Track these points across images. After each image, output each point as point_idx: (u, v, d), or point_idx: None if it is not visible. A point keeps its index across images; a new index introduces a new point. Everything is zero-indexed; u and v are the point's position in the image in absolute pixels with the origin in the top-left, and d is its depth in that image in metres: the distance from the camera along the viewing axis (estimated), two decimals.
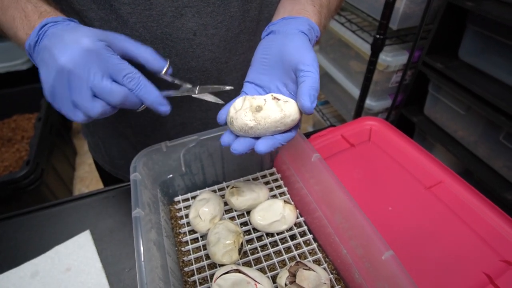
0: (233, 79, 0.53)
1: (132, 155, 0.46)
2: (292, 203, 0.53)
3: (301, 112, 0.36)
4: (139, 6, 0.41)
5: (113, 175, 0.66)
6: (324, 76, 1.55)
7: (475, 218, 0.51)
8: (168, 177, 0.52)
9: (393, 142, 0.65)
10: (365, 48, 1.19)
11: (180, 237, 0.50)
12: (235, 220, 0.52)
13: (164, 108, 0.37)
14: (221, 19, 0.45)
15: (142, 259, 0.35)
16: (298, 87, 0.35)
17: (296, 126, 0.37)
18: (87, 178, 1.75)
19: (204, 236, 0.49)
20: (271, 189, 0.56)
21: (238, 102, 0.37)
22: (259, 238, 0.50)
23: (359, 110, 1.28)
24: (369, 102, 1.28)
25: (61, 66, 0.31)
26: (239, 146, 0.36)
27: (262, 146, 0.35)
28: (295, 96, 0.37)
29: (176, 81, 0.40)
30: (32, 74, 1.65)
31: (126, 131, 0.56)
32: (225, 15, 0.45)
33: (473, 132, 0.99)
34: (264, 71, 0.39)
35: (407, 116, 1.22)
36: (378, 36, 1.06)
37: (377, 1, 1.14)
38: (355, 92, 1.32)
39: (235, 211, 0.53)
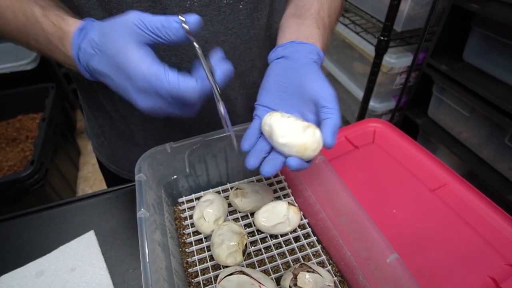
0: (241, 84, 0.54)
1: (137, 156, 0.47)
2: (296, 205, 0.53)
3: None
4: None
5: (118, 174, 0.66)
6: (328, 78, 1.55)
7: (480, 221, 0.51)
8: (173, 178, 0.52)
9: (397, 144, 0.65)
10: (369, 50, 1.19)
11: (184, 238, 0.50)
12: (239, 221, 0.52)
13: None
14: (231, 27, 0.46)
15: (147, 260, 0.35)
16: (321, 123, 0.36)
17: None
18: (90, 178, 1.76)
19: (208, 237, 0.50)
20: (275, 191, 0.56)
21: (284, 123, 0.37)
22: (263, 240, 0.50)
23: (363, 112, 1.28)
24: (373, 104, 1.27)
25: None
26: (269, 168, 0.37)
27: (293, 162, 0.36)
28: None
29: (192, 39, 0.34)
30: (36, 75, 1.66)
31: (136, 134, 0.57)
32: (234, 22, 0.46)
33: (478, 134, 0.99)
34: (281, 97, 0.41)
35: (411, 118, 1.22)
36: (382, 37, 1.06)
37: (381, 3, 1.13)
38: (359, 93, 1.31)
39: (239, 212, 0.53)
